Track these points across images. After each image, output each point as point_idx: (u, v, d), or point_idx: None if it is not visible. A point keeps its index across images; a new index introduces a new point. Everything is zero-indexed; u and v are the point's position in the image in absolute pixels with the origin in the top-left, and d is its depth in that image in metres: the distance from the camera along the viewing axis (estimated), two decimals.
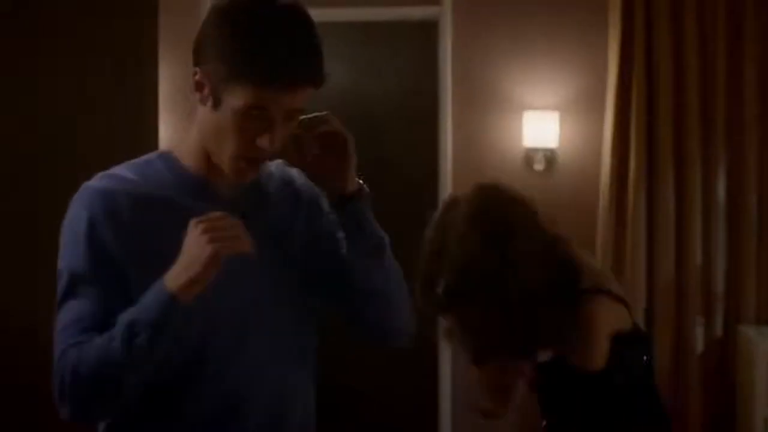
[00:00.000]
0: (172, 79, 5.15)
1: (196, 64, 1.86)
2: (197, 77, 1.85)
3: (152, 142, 4.32)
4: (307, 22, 1.82)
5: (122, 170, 1.95)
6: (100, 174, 1.97)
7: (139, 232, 1.86)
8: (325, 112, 1.95)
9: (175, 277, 1.74)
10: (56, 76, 4.20)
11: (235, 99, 1.79)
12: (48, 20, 4.19)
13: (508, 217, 2.26)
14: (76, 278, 1.86)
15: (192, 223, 1.74)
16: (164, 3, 4.56)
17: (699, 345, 5.07)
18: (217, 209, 1.79)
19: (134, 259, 1.85)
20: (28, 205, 4.18)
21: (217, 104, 1.83)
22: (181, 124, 5.26)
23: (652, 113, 5.07)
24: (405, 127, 5.58)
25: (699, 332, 5.07)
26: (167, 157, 1.97)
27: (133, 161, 1.99)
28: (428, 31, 5.46)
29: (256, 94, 1.78)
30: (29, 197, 4.19)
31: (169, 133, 5.23)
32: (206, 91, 1.84)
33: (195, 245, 1.72)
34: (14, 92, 4.19)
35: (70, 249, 1.89)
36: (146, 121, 4.31)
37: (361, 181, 2.00)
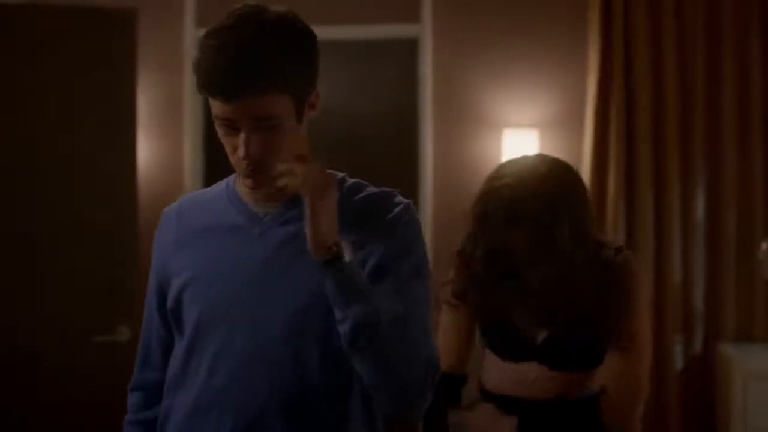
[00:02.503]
0: (152, 98, 5.14)
1: None
2: None
3: (130, 161, 4.31)
4: (256, 28, 1.83)
5: (203, 190, 2.16)
6: None
7: (178, 244, 2.05)
8: (311, 158, 1.90)
9: None
10: (35, 95, 4.20)
11: (212, 111, 1.88)
12: (27, 39, 4.19)
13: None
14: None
15: None
16: (143, 21, 4.56)
17: (678, 363, 5.08)
18: (245, 223, 1.98)
19: (171, 268, 2.04)
20: (11, 225, 4.18)
21: None
22: (161, 143, 5.25)
23: (630, 132, 5.09)
24: (385, 144, 5.59)
25: (678, 350, 5.08)
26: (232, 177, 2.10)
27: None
28: (408, 49, 5.47)
29: (215, 104, 1.86)
30: (12, 217, 4.18)
31: (148, 152, 5.21)
32: None
33: None
34: None
35: None
36: (124, 140, 4.31)
37: (339, 250, 1.85)
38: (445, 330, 2.74)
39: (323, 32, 6.11)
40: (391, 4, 5.45)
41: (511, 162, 2.59)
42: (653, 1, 5.07)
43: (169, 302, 2.04)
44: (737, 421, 4.60)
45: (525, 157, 2.61)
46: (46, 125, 4.21)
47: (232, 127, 1.86)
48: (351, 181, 2.07)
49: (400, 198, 2.02)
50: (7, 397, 4.14)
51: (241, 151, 1.86)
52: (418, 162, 5.42)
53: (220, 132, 1.90)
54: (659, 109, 5.07)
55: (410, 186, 5.44)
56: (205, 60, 1.83)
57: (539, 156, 2.62)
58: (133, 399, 2.20)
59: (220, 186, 2.11)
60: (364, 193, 2.03)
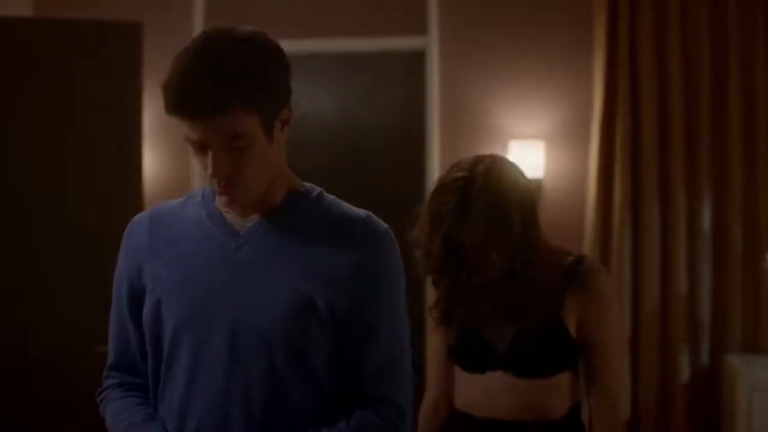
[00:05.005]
0: (160, 107, 5.16)
1: None
2: None
3: (137, 171, 4.33)
4: (221, 49, 1.82)
5: (175, 201, 2.13)
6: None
7: (156, 254, 2.03)
8: None
9: None
10: (42, 108, 4.23)
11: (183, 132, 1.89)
12: (34, 53, 4.22)
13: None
14: (113, 293, 2.13)
15: None
16: (152, 31, 4.59)
17: (685, 374, 5.09)
18: (222, 237, 1.98)
19: (144, 276, 2.03)
20: (13, 234, 4.20)
21: None
22: (168, 152, 5.28)
23: (636, 143, 5.11)
24: (393, 155, 5.61)
25: (685, 361, 5.08)
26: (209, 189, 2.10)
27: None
28: (416, 61, 5.49)
29: (183, 125, 1.87)
30: (15, 226, 4.20)
31: (155, 161, 5.24)
32: None
33: None
34: (2, 125, 4.22)
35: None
36: (131, 151, 4.33)
37: None
38: (431, 356, 2.78)
39: (333, 45, 6.17)
40: (398, 16, 5.48)
41: (466, 158, 2.60)
42: (658, 13, 5.09)
43: (146, 315, 2.03)
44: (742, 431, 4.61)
45: (481, 155, 2.62)
46: (53, 136, 4.24)
47: (202, 147, 1.87)
48: (328, 198, 2.06)
49: (378, 222, 2.02)
50: (10, 406, 4.15)
51: (210, 170, 1.87)
52: (425, 173, 5.44)
53: (191, 151, 1.91)
54: (665, 120, 5.09)
55: (417, 197, 5.45)
56: (170, 82, 1.83)
57: (494, 155, 2.65)
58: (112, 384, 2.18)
59: (195, 197, 2.10)
60: (341, 216, 2.02)
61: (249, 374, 1.93)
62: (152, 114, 4.58)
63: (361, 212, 2.03)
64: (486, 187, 2.48)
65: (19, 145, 4.23)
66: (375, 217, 2.03)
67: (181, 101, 1.82)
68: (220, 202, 1.98)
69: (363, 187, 5.53)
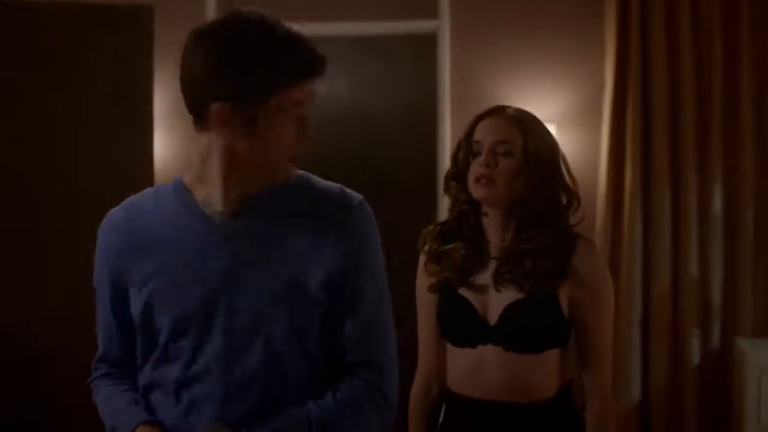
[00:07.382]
0: (171, 94, 5.16)
1: None
2: None
3: (146, 158, 4.34)
4: (218, 43, 1.92)
5: (143, 194, 2.15)
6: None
7: (135, 251, 2.04)
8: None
9: None
10: (51, 92, 4.24)
11: None
12: (44, 36, 4.22)
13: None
14: (96, 290, 2.13)
15: None
16: (164, 16, 4.59)
17: (695, 357, 5.08)
18: (204, 229, 2.00)
19: (130, 275, 2.04)
20: (23, 221, 4.21)
21: None
22: (179, 140, 5.28)
23: (647, 126, 5.09)
24: (405, 138, 5.61)
25: (695, 344, 5.08)
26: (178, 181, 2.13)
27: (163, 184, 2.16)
28: (427, 44, 5.49)
29: (305, 93, 1.98)
30: (25, 213, 4.22)
31: (166, 149, 5.24)
32: None
33: None
34: (13, 110, 4.23)
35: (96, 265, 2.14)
36: (141, 137, 4.34)
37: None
38: (422, 334, 2.77)
39: (344, 28, 6.15)
40: (409, 0, 5.48)
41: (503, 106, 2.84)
42: None
43: (137, 313, 2.05)
44: (751, 415, 4.60)
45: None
46: (61, 122, 4.25)
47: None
48: (297, 173, 2.09)
49: (351, 195, 2.06)
50: (20, 392, 4.17)
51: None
52: (436, 155, 5.45)
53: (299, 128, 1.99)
54: (676, 103, 5.07)
55: (429, 178, 5.46)
56: (296, 46, 1.96)
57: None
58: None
59: (164, 190, 2.12)
60: (314, 192, 2.06)
61: (246, 358, 1.97)
62: (163, 97, 4.58)
63: (334, 186, 2.07)
64: (513, 132, 2.75)
65: (29, 130, 4.24)
66: (348, 190, 2.07)
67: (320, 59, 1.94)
68: None
69: (374, 169, 5.54)
